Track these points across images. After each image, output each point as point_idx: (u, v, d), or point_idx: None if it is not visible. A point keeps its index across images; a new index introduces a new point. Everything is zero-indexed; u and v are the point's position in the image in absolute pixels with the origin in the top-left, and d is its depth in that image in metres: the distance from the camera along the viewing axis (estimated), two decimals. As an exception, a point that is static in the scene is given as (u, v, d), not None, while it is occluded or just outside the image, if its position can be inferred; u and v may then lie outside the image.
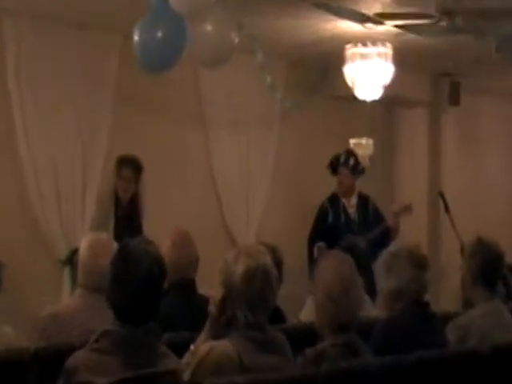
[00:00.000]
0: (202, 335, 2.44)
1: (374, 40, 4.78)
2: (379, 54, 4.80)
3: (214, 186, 5.75)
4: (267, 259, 2.36)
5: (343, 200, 5.50)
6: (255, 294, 2.30)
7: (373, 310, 4.01)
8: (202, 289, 3.24)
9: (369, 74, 4.84)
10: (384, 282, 2.92)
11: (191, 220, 4.90)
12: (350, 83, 4.95)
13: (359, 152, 5.84)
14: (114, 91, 5.09)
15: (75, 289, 3.08)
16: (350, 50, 4.85)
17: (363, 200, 5.53)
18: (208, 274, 3.19)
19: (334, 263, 2.62)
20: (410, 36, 4.79)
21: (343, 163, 5.47)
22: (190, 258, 3.23)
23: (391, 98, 5.64)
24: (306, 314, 3.69)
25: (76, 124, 4.99)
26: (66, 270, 4.85)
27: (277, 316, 3.09)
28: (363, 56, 4.81)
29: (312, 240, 5.31)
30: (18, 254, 4.69)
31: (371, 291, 4.51)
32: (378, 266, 2.97)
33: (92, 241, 2.94)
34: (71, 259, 4.78)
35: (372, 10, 4.48)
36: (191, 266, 3.22)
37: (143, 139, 5.26)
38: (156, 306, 2.17)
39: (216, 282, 2.42)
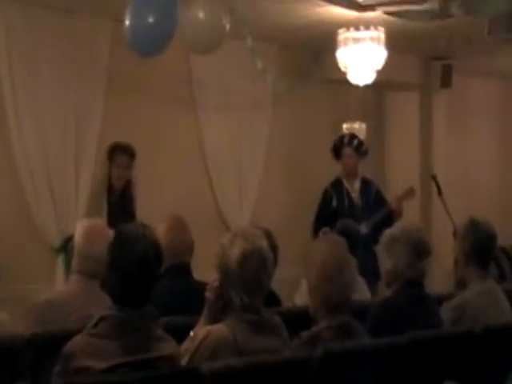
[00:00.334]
0: (201, 321, 2.45)
1: (366, 24, 4.77)
2: (372, 38, 4.78)
3: (207, 171, 5.75)
4: (263, 243, 2.37)
5: (346, 185, 5.49)
6: (251, 277, 2.31)
7: (366, 292, 4.05)
8: (196, 274, 3.25)
9: (361, 58, 4.83)
10: (384, 263, 2.94)
11: (183, 205, 4.90)
12: (342, 67, 4.94)
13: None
14: (106, 77, 5.06)
15: (69, 275, 3.07)
16: (343, 35, 4.83)
17: (366, 184, 5.53)
18: (201, 259, 3.21)
19: (327, 245, 2.64)
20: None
21: (347, 143, 5.47)
22: (186, 243, 3.23)
23: (383, 82, 5.64)
24: (301, 297, 3.71)
25: (68, 109, 4.96)
26: (60, 258, 4.85)
27: (272, 300, 3.10)
28: (356, 40, 4.79)
29: (316, 225, 5.29)
30: (11, 241, 4.69)
31: (374, 273, 4.58)
32: (380, 247, 2.99)
33: (87, 227, 2.93)
34: (65, 247, 4.78)
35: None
36: (187, 251, 3.23)
37: (135, 124, 5.24)
38: (152, 289, 2.18)
39: (209, 268, 2.43)
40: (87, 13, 4.92)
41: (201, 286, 2.58)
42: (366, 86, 5.22)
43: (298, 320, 2.55)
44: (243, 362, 2.22)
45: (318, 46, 5.79)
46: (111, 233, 2.39)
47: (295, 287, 3.92)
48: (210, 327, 2.33)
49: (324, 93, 6.28)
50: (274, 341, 2.37)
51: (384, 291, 3.16)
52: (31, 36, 4.79)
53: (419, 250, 2.88)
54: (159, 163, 5.40)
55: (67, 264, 4.55)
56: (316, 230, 5.22)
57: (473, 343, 2.78)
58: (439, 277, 5.54)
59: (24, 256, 4.73)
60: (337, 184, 5.51)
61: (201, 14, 4.04)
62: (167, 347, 2.18)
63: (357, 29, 4.78)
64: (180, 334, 2.40)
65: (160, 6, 3.68)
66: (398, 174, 6.71)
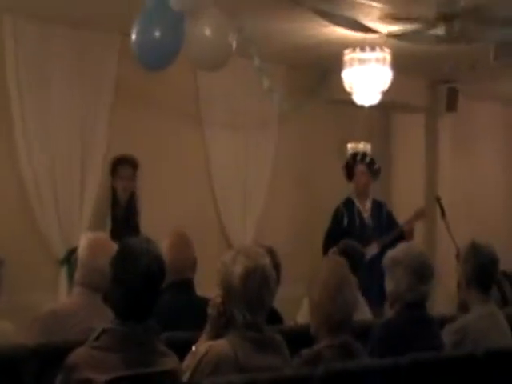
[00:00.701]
0: (203, 337, 2.45)
1: (372, 45, 4.81)
2: (377, 59, 4.81)
3: (212, 188, 5.76)
4: (266, 260, 2.38)
5: (358, 204, 5.50)
6: (253, 295, 2.31)
7: (367, 312, 4.05)
8: (198, 291, 3.25)
9: (367, 79, 4.86)
10: (387, 284, 2.94)
11: (187, 221, 4.91)
12: (348, 88, 4.97)
13: (357, 157, 5.86)
14: (113, 90, 5.11)
15: (72, 288, 3.08)
16: (349, 55, 4.86)
17: (377, 205, 5.54)
18: (204, 276, 3.21)
19: (329, 264, 2.67)
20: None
21: (360, 160, 5.49)
22: (189, 259, 3.24)
23: (388, 103, 5.66)
24: (303, 316, 3.71)
25: (75, 123, 5.00)
26: (64, 270, 4.86)
27: (274, 318, 3.10)
28: (361, 61, 4.82)
29: (326, 243, 5.28)
30: (16, 252, 4.69)
31: (379, 293, 4.56)
32: (384, 267, 2.99)
33: (91, 240, 2.94)
34: (68, 258, 4.79)
35: (369, 17, 4.51)
36: (189, 267, 3.24)
37: (141, 137, 5.27)
38: (155, 304, 2.18)
39: (211, 285, 2.44)
40: (96, 26, 4.97)
41: (203, 302, 2.58)
42: (372, 107, 5.24)
43: (300, 338, 2.55)
44: (244, 379, 2.21)
45: (325, 66, 5.83)
46: (115, 246, 2.40)
47: (298, 306, 3.91)
48: (211, 343, 2.33)
49: (329, 113, 6.31)
50: (276, 359, 2.37)
51: (389, 313, 3.15)
52: (41, 49, 4.84)
53: (421, 273, 2.87)
54: (164, 177, 5.42)
55: (70, 276, 4.55)
56: (326, 249, 5.21)
57: (474, 366, 2.77)
58: (443, 299, 5.52)
59: (28, 266, 4.73)
60: (348, 203, 5.50)
61: (207, 31, 4.08)
62: (169, 362, 2.18)
63: (362, 49, 4.82)
64: (181, 350, 2.39)
65: (167, 21, 3.72)
66: (403, 196, 6.71)
